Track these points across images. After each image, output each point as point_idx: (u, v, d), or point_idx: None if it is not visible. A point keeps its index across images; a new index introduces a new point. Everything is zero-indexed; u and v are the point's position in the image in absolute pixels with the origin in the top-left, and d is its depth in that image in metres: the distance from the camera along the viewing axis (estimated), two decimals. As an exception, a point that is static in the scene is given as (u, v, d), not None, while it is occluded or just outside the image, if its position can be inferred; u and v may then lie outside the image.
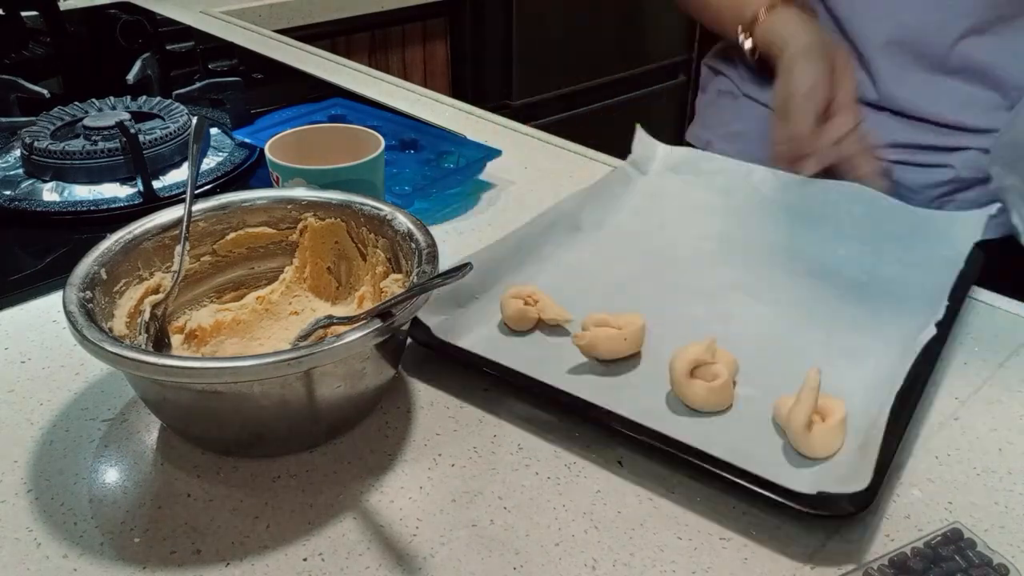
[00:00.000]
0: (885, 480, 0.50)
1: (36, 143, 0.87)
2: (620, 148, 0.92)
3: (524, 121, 1.09)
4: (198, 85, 1.04)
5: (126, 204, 0.83)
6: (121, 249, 0.58)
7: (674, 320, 0.66)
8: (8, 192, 0.84)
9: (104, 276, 0.56)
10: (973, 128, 0.87)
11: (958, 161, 0.88)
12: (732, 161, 0.83)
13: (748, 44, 0.90)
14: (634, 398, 0.58)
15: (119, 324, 0.55)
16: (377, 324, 0.50)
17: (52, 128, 0.91)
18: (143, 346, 0.56)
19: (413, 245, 0.59)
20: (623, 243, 0.77)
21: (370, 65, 1.44)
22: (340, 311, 0.64)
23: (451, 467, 0.54)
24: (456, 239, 0.80)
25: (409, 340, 0.61)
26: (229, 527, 0.49)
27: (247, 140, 0.93)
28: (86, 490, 0.52)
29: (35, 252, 0.77)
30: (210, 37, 1.39)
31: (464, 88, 2.04)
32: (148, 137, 0.87)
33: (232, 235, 0.64)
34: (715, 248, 0.76)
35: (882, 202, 0.75)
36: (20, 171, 0.87)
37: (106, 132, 0.88)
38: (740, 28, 0.90)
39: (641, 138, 0.86)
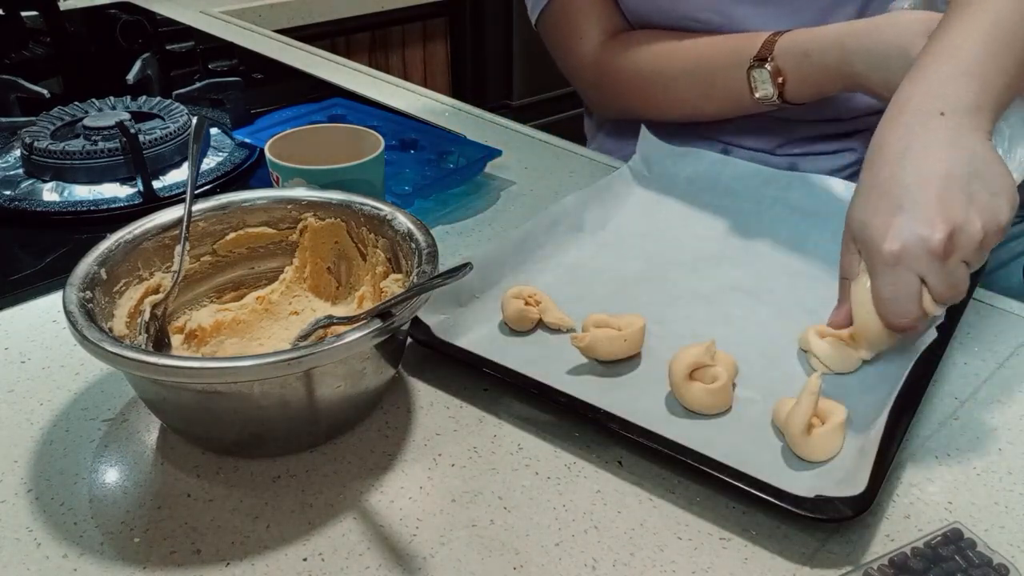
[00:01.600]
0: (884, 481, 0.50)
1: (36, 143, 0.87)
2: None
3: (524, 121, 1.09)
4: (198, 85, 1.04)
5: (126, 204, 0.83)
6: (121, 249, 0.58)
7: (674, 321, 0.66)
8: (8, 192, 0.84)
9: (104, 276, 0.56)
10: (868, 111, 0.87)
11: (859, 143, 0.89)
12: (736, 161, 0.83)
13: (765, 70, 0.79)
14: (633, 399, 0.58)
15: (119, 324, 0.55)
16: (377, 324, 0.50)
17: (52, 128, 0.91)
18: (143, 346, 0.56)
19: (413, 245, 0.59)
20: (625, 244, 0.77)
21: (370, 65, 1.44)
22: (340, 311, 0.64)
23: (451, 467, 0.54)
24: (456, 239, 0.80)
25: (409, 340, 0.61)
26: (229, 527, 0.49)
27: (247, 140, 0.93)
28: (86, 490, 0.52)
29: (35, 252, 0.77)
30: (210, 37, 1.39)
31: (464, 88, 2.04)
32: (148, 137, 0.87)
33: (232, 235, 0.64)
34: (717, 249, 0.76)
35: None
36: (20, 171, 0.87)
37: (106, 132, 0.88)
38: (751, 62, 0.80)
39: (645, 138, 0.86)
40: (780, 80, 0.79)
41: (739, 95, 0.82)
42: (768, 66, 0.79)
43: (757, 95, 0.81)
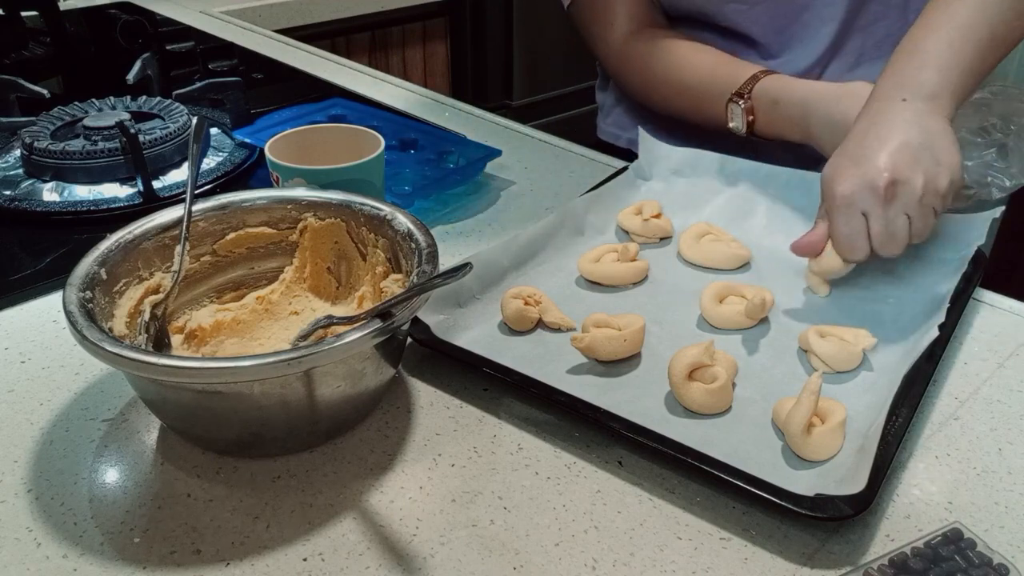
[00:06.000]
0: (884, 481, 0.50)
1: (36, 143, 0.87)
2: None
3: (524, 121, 1.09)
4: (198, 85, 1.04)
5: (126, 204, 0.83)
6: (121, 249, 0.58)
7: (674, 322, 0.66)
8: (8, 192, 0.84)
9: (104, 276, 0.56)
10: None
11: None
12: (736, 160, 0.83)
13: (740, 106, 0.83)
14: (634, 399, 0.58)
15: (119, 324, 0.55)
16: (377, 324, 0.50)
17: (52, 128, 0.91)
18: (143, 346, 0.56)
19: (413, 245, 0.59)
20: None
21: (370, 65, 1.44)
22: (340, 311, 0.64)
23: (451, 467, 0.54)
24: (456, 239, 0.80)
25: (409, 340, 0.61)
26: (229, 527, 0.49)
27: (247, 140, 0.93)
28: (86, 490, 0.52)
29: (35, 252, 0.77)
30: (210, 37, 1.39)
31: (464, 88, 2.04)
32: (148, 137, 0.87)
33: (232, 235, 0.64)
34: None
35: None
36: (20, 171, 0.87)
37: (106, 132, 0.88)
38: (731, 95, 0.84)
39: (644, 140, 0.86)
40: (751, 119, 0.84)
41: (720, 121, 0.87)
42: (743, 103, 0.84)
43: (730, 125, 0.86)
